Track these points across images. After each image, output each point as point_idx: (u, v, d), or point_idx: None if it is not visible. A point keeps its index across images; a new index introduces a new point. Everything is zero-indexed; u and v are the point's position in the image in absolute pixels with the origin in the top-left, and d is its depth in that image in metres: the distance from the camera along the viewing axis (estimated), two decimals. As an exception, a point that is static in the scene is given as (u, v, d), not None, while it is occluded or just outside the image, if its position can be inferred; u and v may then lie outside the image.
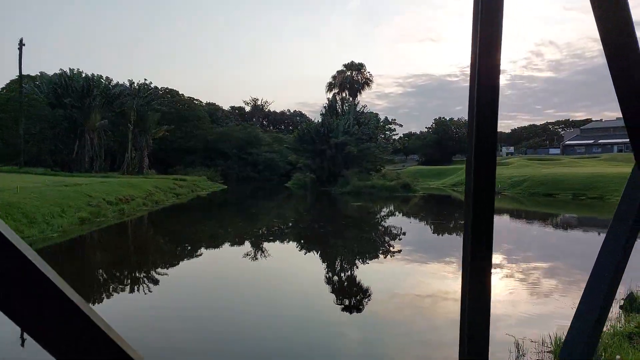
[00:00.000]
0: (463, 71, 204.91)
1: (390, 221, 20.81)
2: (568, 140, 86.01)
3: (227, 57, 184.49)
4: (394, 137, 52.63)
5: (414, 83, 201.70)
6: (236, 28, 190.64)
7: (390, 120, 50.57)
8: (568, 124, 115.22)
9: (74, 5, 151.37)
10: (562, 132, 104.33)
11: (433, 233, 17.30)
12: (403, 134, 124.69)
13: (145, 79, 46.88)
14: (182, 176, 40.03)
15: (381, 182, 35.24)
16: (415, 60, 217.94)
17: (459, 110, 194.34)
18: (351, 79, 42.81)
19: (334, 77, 44.96)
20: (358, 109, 48.63)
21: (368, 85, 43.60)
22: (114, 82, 41.48)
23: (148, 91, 44.27)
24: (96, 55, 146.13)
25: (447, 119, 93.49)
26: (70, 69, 38.93)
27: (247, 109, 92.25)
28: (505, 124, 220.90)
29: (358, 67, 43.01)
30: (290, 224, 19.30)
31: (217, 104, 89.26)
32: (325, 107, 49.38)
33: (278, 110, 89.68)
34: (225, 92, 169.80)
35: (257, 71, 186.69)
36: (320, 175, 42.86)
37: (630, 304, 6.49)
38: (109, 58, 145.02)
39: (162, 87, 74.53)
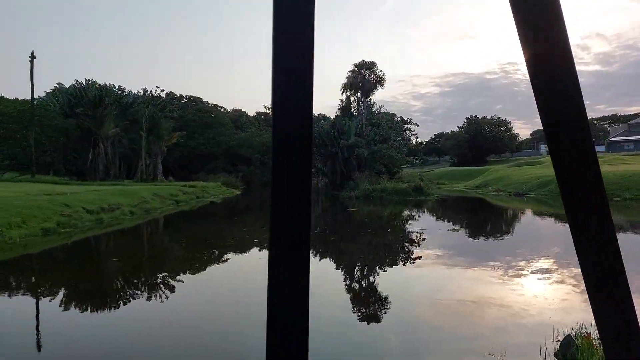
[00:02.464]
0: (503, 68, 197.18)
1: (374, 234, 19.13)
2: (614, 137, 79.78)
3: (252, 63, 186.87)
4: (412, 137, 50.27)
5: (451, 82, 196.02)
6: (263, 35, 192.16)
7: (405, 120, 48.39)
8: (615, 119, 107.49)
9: (101, 19, 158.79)
10: (609, 128, 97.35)
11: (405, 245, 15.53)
12: (435, 134, 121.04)
13: (158, 87, 47.21)
14: (192, 182, 39.82)
15: (391, 185, 33.37)
16: (453, 59, 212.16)
17: (499, 108, 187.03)
18: (362, 78, 41.17)
19: (347, 78, 43.54)
20: (374, 110, 46.91)
21: (380, 84, 41.81)
22: (127, 91, 42.04)
23: (160, 99, 44.59)
24: (125, 68, 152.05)
25: (480, 117, 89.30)
26: (85, 80, 39.85)
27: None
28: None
29: (369, 66, 41.33)
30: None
31: (242, 110, 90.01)
32: (339, 108, 48.07)
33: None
34: (252, 99, 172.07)
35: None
36: (334, 179, 41.58)
37: (564, 354, 4.73)
38: (142, 72, 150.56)
39: (186, 96, 76.08)
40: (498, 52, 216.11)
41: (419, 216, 24.19)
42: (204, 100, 76.24)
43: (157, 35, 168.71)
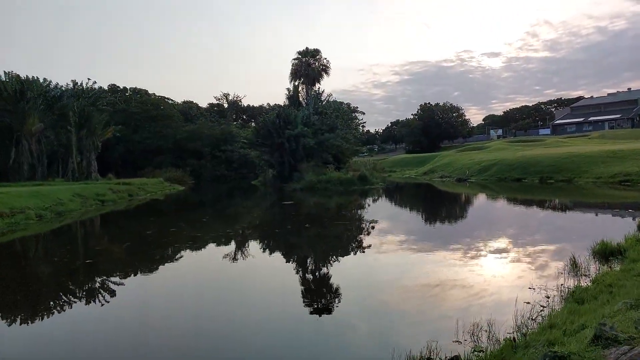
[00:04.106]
0: (459, 56, 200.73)
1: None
2: (558, 120, 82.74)
3: (207, 53, 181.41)
4: (360, 126, 49.68)
5: (410, 70, 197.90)
6: (221, 23, 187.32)
7: (352, 109, 47.68)
8: (561, 102, 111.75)
9: (48, 10, 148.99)
10: (555, 112, 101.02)
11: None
12: (391, 122, 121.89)
13: (89, 79, 44.12)
14: (127, 180, 37.47)
15: (337, 175, 32.56)
16: (411, 47, 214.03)
17: (456, 95, 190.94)
18: (307, 66, 39.88)
19: (292, 66, 42.09)
20: (323, 99, 45.87)
21: (326, 72, 40.72)
22: (54, 83, 38.85)
23: (92, 91, 41.61)
24: (66, 61, 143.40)
25: (433, 104, 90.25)
26: (5, 72, 36.41)
27: (226, 105, 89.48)
28: (502, 106, 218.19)
29: (313, 54, 40.09)
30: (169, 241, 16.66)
31: (193, 101, 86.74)
32: (287, 97, 46.73)
33: (256, 105, 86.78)
34: (204, 89, 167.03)
35: (241, 67, 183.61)
36: (282, 171, 40.31)
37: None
38: (83, 65, 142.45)
39: (130, 87, 72.18)
40: (454, 40, 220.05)
41: (353, 207, 23.42)
42: (150, 92, 72.62)
43: (99, 26, 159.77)
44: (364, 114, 60.87)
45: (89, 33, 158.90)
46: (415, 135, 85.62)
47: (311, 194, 29.65)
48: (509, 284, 7.37)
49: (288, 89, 45.11)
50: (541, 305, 5.98)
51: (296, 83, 44.75)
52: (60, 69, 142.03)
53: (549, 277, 7.40)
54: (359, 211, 21.67)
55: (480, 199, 24.83)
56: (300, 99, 46.10)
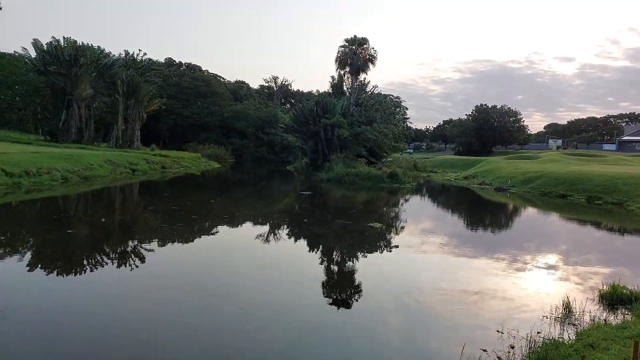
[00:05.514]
0: (528, 58, 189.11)
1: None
2: (627, 136, 75.79)
3: (264, 36, 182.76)
4: (404, 122, 47.79)
5: (473, 69, 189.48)
6: (279, 7, 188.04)
7: (396, 104, 45.86)
8: (634, 117, 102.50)
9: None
10: (625, 127, 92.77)
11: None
12: (443, 121, 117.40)
13: (140, 50, 45.44)
14: (165, 152, 38.54)
15: (366, 170, 31.48)
16: (477, 44, 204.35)
17: (520, 99, 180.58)
18: (352, 55, 38.68)
19: (338, 53, 41.07)
20: (368, 90, 44.58)
21: (372, 63, 39.21)
22: (106, 51, 40.35)
23: (142, 63, 42.89)
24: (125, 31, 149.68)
25: (490, 106, 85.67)
26: (63, 37, 38.25)
27: (276, 88, 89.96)
28: (569, 115, 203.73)
29: (360, 42, 38.71)
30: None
31: (245, 81, 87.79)
32: (331, 86, 45.87)
33: (306, 90, 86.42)
34: (258, 71, 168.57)
35: (296, 52, 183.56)
36: (315, 159, 39.73)
37: None
38: (152, 39, 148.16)
39: (185, 63, 74.13)
40: (525, 40, 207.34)
41: (364, 206, 22.41)
42: (204, 69, 74.26)
43: (169, 6, 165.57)
44: (407, 109, 58.48)
45: (155, 7, 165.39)
46: (467, 136, 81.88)
47: (337, 186, 28.90)
48: (474, 321, 6.34)
49: (332, 77, 44.22)
50: (498, 357, 4.99)
51: (342, 72, 43.70)
52: (121, 41, 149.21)
53: (529, 319, 6.27)
54: (367, 213, 20.69)
55: (513, 212, 22.99)
56: (345, 89, 45.06)
